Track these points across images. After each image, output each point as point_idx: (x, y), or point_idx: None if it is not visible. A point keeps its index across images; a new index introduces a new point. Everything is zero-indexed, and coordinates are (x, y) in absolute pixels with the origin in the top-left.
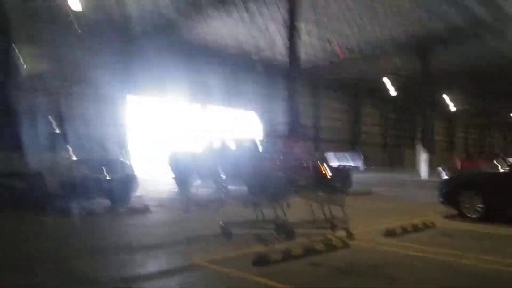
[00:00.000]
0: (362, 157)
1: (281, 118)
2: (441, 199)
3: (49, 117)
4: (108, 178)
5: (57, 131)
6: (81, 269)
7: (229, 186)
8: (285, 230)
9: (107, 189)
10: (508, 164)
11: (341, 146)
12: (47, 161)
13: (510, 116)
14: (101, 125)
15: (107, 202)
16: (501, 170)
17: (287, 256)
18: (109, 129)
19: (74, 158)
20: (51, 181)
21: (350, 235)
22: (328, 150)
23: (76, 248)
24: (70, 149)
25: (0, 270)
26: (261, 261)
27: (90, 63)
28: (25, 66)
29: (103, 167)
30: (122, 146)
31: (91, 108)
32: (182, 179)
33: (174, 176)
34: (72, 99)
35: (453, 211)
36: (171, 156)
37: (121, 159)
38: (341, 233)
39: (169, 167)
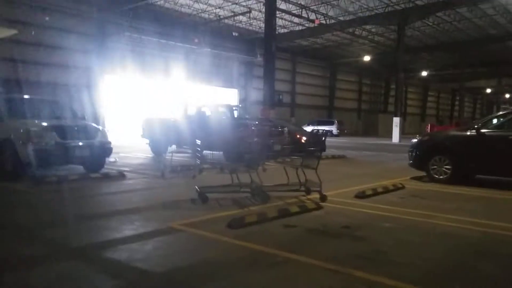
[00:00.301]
0: (336, 122)
1: (257, 90)
2: (411, 162)
3: (20, 84)
4: (81, 144)
5: (28, 97)
6: (59, 237)
7: (204, 152)
8: (260, 193)
9: (80, 155)
10: (474, 127)
11: (316, 112)
12: (18, 128)
13: (480, 81)
14: (75, 93)
15: (80, 169)
16: (468, 133)
17: (262, 218)
18: (83, 96)
19: (45, 124)
20: (22, 149)
21: (323, 197)
22: (303, 115)
23: (51, 216)
24: (42, 115)
25: None
26: (236, 223)
27: (64, 31)
28: None
29: (75, 133)
30: (96, 112)
31: (64, 76)
32: (157, 145)
33: (149, 142)
34: (45, 67)
35: (423, 173)
36: (146, 122)
37: (94, 125)
38: (315, 196)
39: (144, 133)
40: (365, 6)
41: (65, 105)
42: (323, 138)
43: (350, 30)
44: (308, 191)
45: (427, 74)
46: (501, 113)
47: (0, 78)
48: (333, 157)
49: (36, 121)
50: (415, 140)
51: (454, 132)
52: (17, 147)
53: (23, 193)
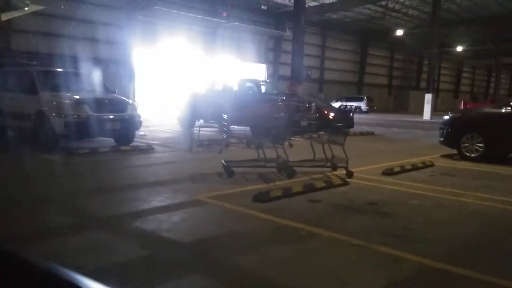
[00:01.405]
0: (366, 98)
1: (286, 65)
2: (441, 139)
3: (52, 57)
4: (112, 117)
5: (60, 70)
6: (89, 207)
7: (231, 126)
8: (286, 168)
9: (111, 128)
10: (510, 104)
11: (345, 88)
12: (52, 101)
13: None
14: (105, 67)
15: (111, 142)
16: (503, 111)
17: (287, 192)
18: (114, 70)
19: (77, 97)
20: (55, 121)
21: (349, 173)
22: (332, 91)
23: (82, 187)
24: (74, 88)
25: (11, 209)
26: (261, 197)
27: (94, 5)
28: (26, 8)
29: (106, 107)
30: (126, 86)
31: (95, 50)
32: (185, 119)
33: (177, 116)
34: (76, 41)
35: (453, 151)
36: (178, 97)
37: (125, 99)
38: (341, 172)
39: (176, 108)
40: None
41: (96, 79)
42: (351, 114)
43: (383, 3)
44: (334, 167)
45: (462, 50)
46: None
47: (33, 52)
48: (361, 133)
49: (69, 94)
50: (447, 117)
51: (488, 110)
52: (50, 119)
53: (56, 163)
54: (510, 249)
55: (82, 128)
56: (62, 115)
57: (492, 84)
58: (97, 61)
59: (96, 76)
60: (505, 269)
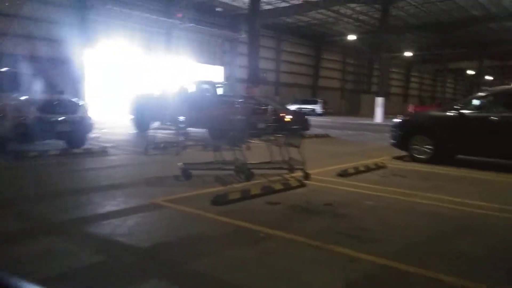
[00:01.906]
0: (321, 101)
1: (242, 68)
2: (393, 141)
3: None
4: (61, 119)
5: (5, 70)
6: (40, 213)
7: (188, 129)
8: (244, 171)
9: (61, 130)
10: (455, 107)
11: (300, 91)
12: None
13: (462, 63)
14: (54, 67)
15: (62, 144)
16: (449, 114)
17: (246, 195)
18: (63, 70)
19: (24, 98)
20: (0, 123)
21: (306, 175)
22: (288, 94)
23: (32, 191)
24: (20, 89)
25: None
26: (219, 200)
27: (42, 2)
28: None
29: (55, 108)
30: (76, 87)
31: (43, 49)
32: (140, 121)
33: (132, 117)
34: (22, 39)
35: (404, 153)
36: (132, 98)
37: (74, 100)
38: (298, 174)
39: (129, 109)
40: None
41: (44, 79)
42: (304, 117)
43: (335, 8)
44: (291, 169)
45: (411, 55)
46: (481, 94)
47: None
48: (317, 136)
49: (14, 95)
50: (397, 120)
51: (435, 113)
52: None
53: (2, 168)
54: (460, 248)
55: (29, 130)
56: (6, 117)
57: (439, 88)
58: (45, 60)
59: (43, 76)
60: (455, 267)
